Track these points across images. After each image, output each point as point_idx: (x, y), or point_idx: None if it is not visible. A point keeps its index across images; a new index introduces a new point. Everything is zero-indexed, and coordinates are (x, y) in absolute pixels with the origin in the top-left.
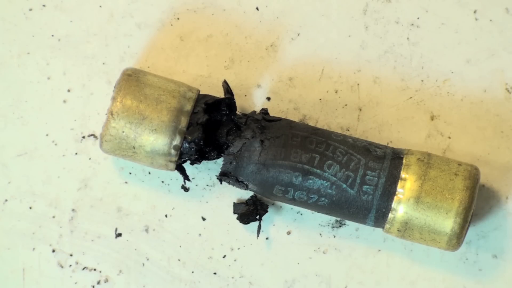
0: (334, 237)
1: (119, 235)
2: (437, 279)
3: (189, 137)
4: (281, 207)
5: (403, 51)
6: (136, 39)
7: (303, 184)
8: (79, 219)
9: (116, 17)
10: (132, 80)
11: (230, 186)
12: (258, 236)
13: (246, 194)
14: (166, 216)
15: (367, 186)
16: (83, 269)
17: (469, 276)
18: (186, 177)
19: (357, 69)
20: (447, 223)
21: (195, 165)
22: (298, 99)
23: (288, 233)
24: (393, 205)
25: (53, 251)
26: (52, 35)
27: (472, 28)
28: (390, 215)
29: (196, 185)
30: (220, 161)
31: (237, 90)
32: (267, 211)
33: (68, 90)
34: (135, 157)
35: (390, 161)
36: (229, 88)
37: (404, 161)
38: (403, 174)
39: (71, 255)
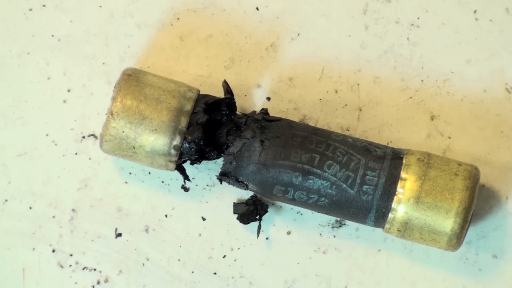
0: (334, 237)
1: (119, 235)
2: (437, 279)
3: (189, 137)
4: (281, 207)
5: (403, 51)
6: (136, 39)
7: (303, 184)
8: (79, 219)
9: (116, 17)
10: (132, 80)
11: (230, 186)
12: (258, 236)
13: (246, 194)
14: (166, 216)
15: (367, 186)
16: (83, 269)
17: (469, 276)
18: (186, 177)
19: (357, 69)
20: (447, 223)
21: (195, 165)
22: (298, 99)
23: (288, 233)
24: (393, 205)
25: (53, 251)
26: (52, 35)
27: (472, 28)
28: (390, 215)
29: (196, 185)
30: (220, 161)
31: (237, 90)
32: (267, 211)
33: (68, 90)
34: (135, 157)
35: (390, 161)
36: (229, 88)
37: (404, 161)
38: (403, 174)
39: (71, 255)
